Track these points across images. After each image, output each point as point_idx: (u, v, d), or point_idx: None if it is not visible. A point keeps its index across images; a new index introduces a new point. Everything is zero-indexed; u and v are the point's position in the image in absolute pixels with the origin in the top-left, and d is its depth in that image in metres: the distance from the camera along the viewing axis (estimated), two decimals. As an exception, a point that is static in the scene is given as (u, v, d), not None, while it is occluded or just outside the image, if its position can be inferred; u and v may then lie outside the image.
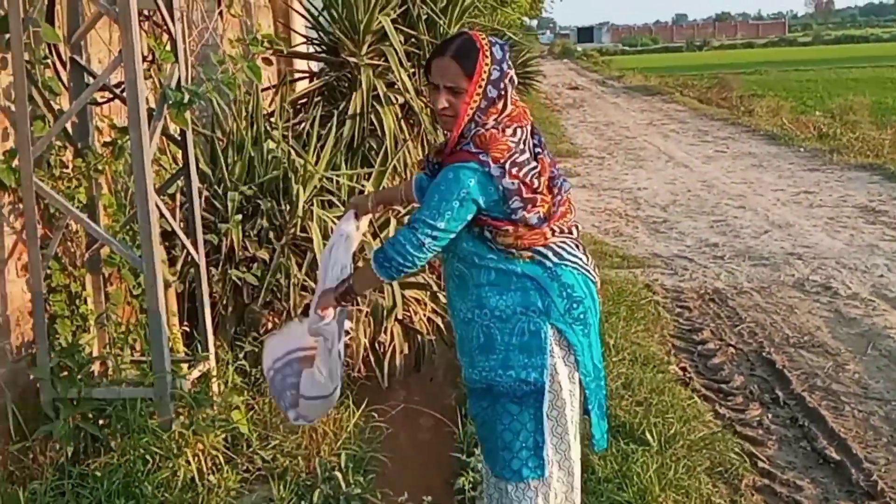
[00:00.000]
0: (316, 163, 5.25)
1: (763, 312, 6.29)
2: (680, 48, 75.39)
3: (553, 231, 2.80)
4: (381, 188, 5.75)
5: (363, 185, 5.62)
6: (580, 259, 2.87)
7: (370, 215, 3.27)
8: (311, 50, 7.03)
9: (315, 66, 7.32)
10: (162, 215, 4.05)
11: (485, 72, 2.71)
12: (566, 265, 2.83)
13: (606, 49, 74.68)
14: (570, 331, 2.80)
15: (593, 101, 26.23)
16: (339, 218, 3.25)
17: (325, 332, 3.01)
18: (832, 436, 4.37)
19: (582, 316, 2.82)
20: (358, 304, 3.07)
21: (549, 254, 2.80)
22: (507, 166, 2.69)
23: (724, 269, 7.44)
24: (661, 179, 12.05)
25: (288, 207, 5.03)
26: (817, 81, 31.12)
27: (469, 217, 2.73)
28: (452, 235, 2.75)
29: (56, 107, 4.13)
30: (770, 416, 4.67)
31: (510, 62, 2.83)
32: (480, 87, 2.71)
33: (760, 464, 4.12)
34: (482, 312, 2.80)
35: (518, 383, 2.77)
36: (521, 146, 2.78)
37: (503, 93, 2.77)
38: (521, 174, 2.71)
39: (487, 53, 2.73)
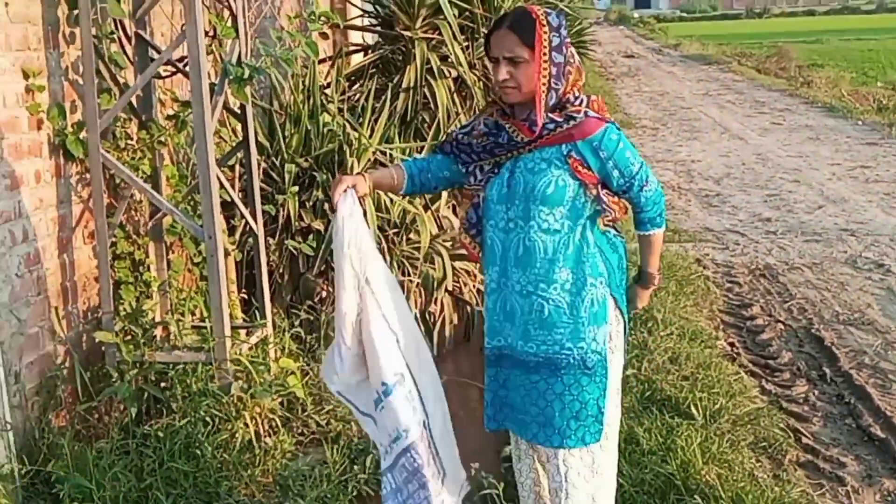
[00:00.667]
0: (370, 136, 5.35)
1: (814, 289, 6.29)
2: (739, 15, 74.01)
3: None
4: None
5: (416, 157, 5.71)
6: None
7: (367, 197, 3.13)
8: (366, 23, 7.12)
9: (370, 39, 7.41)
10: (222, 186, 4.18)
11: (545, 39, 2.77)
12: (621, 237, 2.93)
13: (664, 16, 73.51)
14: (622, 300, 2.89)
15: (649, 69, 25.97)
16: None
17: None
18: (878, 414, 4.39)
19: (626, 286, 2.92)
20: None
21: (612, 225, 2.91)
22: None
23: (775, 245, 7.43)
24: (715, 152, 11.97)
25: (343, 179, 5.14)
26: (880, 51, 30.41)
27: None
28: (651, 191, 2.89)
29: (121, 80, 4.28)
30: (816, 392, 4.70)
31: (566, 29, 2.88)
32: (545, 54, 2.77)
33: (804, 440, 4.17)
34: (549, 287, 2.82)
35: (589, 353, 2.83)
36: None
37: (572, 59, 2.83)
38: None
39: (544, 22, 2.78)
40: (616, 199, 2.85)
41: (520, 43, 2.75)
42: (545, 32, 2.76)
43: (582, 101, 2.82)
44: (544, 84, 2.76)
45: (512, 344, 2.93)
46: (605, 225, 2.89)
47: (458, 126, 3.12)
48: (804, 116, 14.88)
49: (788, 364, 5.05)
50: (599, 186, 2.82)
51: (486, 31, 2.91)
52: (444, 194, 5.72)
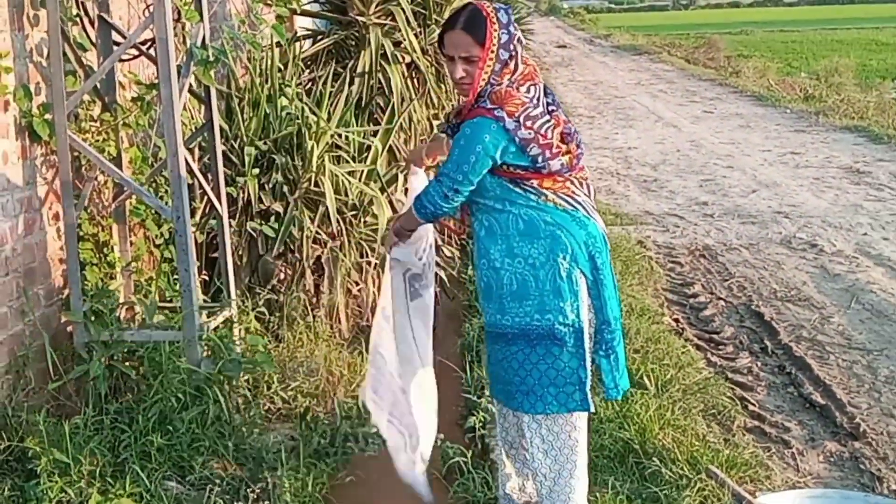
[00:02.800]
0: (328, 120, 5.44)
1: (751, 268, 6.56)
2: (666, 6, 75.26)
3: (573, 183, 3.03)
4: (388, 144, 5.96)
5: (371, 141, 5.82)
6: (599, 219, 3.12)
7: (425, 166, 3.46)
8: (320, 9, 7.19)
9: (320, 24, 7.48)
10: (189, 168, 4.24)
11: (494, 37, 2.92)
12: (591, 219, 3.06)
13: (593, 6, 74.41)
14: (593, 279, 3.03)
15: (581, 59, 26.35)
16: (406, 178, 3.49)
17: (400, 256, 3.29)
18: (818, 382, 4.65)
19: (602, 267, 3.05)
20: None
21: (577, 204, 3.03)
22: (521, 119, 2.91)
23: (713, 227, 7.71)
24: (650, 139, 12.27)
25: (301, 162, 5.22)
26: (802, 42, 31.33)
27: (485, 170, 2.94)
28: (472, 187, 2.96)
29: (86, 63, 4.31)
30: (759, 364, 4.94)
31: (515, 24, 3.05)
32: (493, 52, 2.92)
33: (751, 407, 4.40)
34: (514, 261, 2.99)
35: (557, 325, 2.98)
36: (535, 102, 2.99)
37: (514, 54, 2.98)
38: (535, 126, 2.92)
39: (494, 20, 2.93)
40: (525, 171, 2.97)
41: (473, 43, 2.91)
42: (496, 31, 2.92)
43: (486, 92, 2.96)
44: (484, 80, 2.93)
45: (492, 320, 3.11)
46: (565, 201, 3.03)
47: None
48: (734, 105, 15.30)
49: (731, 338, 5.30)
50: (508, 167, 2.96)
51: (439, 26, 3.04)
52: (400, 178, 5.84)
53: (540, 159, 2.93)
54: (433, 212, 3.04)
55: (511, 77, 2.97)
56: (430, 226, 3.26)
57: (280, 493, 3.54)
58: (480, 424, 4.26)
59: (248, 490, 3.56)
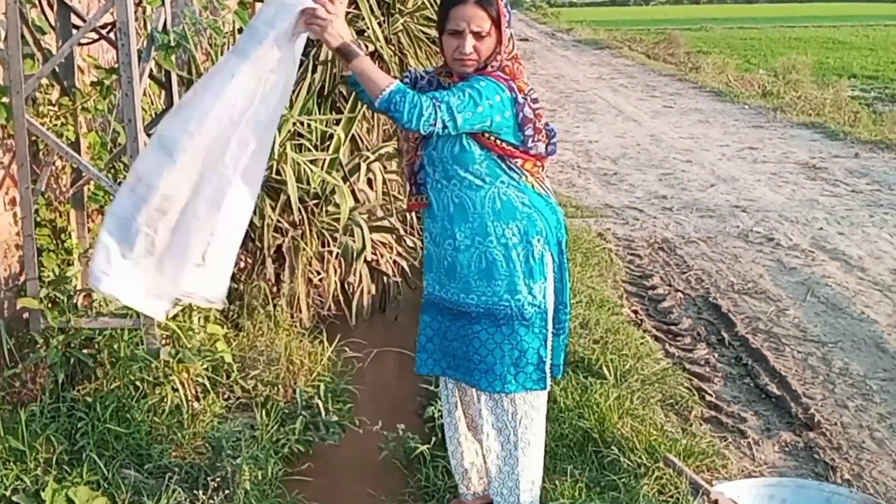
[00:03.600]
0: (290, 107, 5.40)
1: (709, 261, 6.63)
2: (627, 1, 75.69)
3: (543, 171, 3.06)
4: (350, 133, 5.94)
5: (334, 130, 5.80)
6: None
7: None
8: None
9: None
10: (149, 154, 4.19)
11: (505, 13, 2.94)
12: (557, 204, 3.11)
13: (555, 0, 74.61)
14: (558, 262, 3.07)
15: (543, 53, 26.42)
16: None
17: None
18: (773, 374, 4.71)
19: (565, 251, 3.10)
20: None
21: (549, 190, 3.07)
22: (527, 98, 2.94)
23: (672, 220, 7.78)
24: (611, 133, 12.34)
25: (263, 150, 5.18)
26: (761, 39, 31.67)
27: (478, 126, 2.88)
28: (453, 133, 2.88)
29: (44, 46, 4.24)
30: (716, 355, 5.00)
31: None
32: (505, 27, 2.93)
33: (708, 398, 4.45)
34: (487, 240, 2.99)
35: (526, 306, 3.01)
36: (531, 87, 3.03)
37: (512, 33, 3.01)
38: (534, 107, 2.96)
39: None
40: (514, 148, 2.97)
41: (486, 17, 2.89)
42: (504, 6, 2.92)
43: (498, 66, 2.95)
44: (498, 55, 2.92)
45: (454, 297, 3.09)
46: (539, 185, 3.06)
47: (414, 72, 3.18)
48: (693, 100, 15.43)
49: (689, 329, 5.35)
50: (497, 141, 2.95)
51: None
52: (363, 167, 5.83)
53: (530, 141, 2.95)
54: (396, 111, 2.79)
55: (507, 57, 2.97)
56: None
57: (239, 482, 3.52)
58: (439, 414, 4.26)
59: (208, 478, 3.53)
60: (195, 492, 3.47)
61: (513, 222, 3.00)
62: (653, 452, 3.66)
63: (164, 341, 4.12)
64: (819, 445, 4.01)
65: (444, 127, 2.82)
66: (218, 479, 3.51)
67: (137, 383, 3.97)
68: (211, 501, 3.39)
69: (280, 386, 4.42)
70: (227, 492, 3.46)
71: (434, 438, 4.11)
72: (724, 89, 16.36)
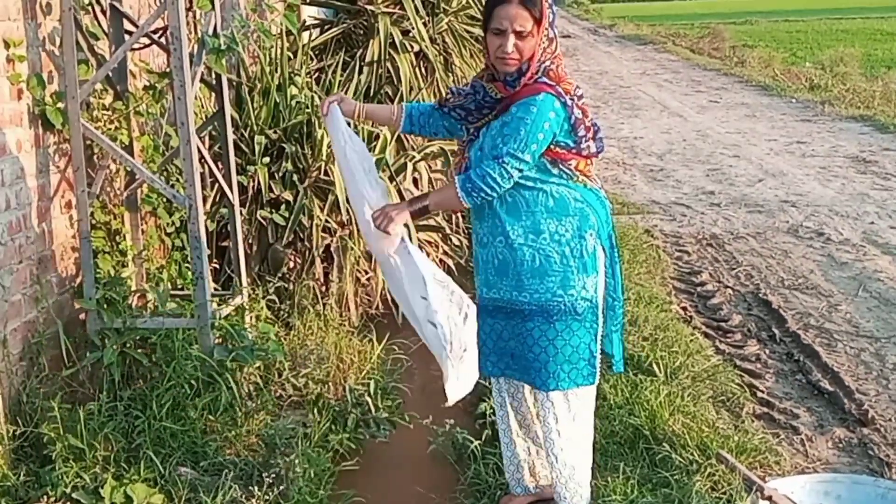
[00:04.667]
0: (337, 108, 5.45)
1: (758, 256, 6.58)
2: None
3: (592, 165, 3.09)
4: (396, 133, 5.97)
5: (380, 130, 5.83)
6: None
7: (354, 118, 3.37)
8: (327, -1, 7.20)
9: (328, 13, 7.49)
10: (201, 156, 4.26)
11: (548, 13, 2.96)
12: (605, 197, 3.12)
13: (597, -4, 74.16)
14: (610, 257, 3.09)
15: (586, 49, 26.30)
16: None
17: (399, 254, 3.15)
18: (826, 370, 4.67)
19: (616, 245, 3.12)
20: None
21: (599, 185, 3.09)
22: (574, 99, 2.97)
23: (720, 216, 7.72)
24: (656, 129, 12.27)
25: (311, 151, 5.25)
26: (807, 32, 31.26)
27: (548, 145, 2.96)
28: (533, 164, 2.98)
29: (98, 52, 4.33)
30: (767, 351, 4.96)
31: None
32: (547, 28, 2.96)
33: (759, 394, 4.42)
34: (540, 237, 3.01)
35: (579, 301, 3.02)
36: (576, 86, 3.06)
37: (555, 34, 3.03)
38: (581, 105, 2.99)
39: None
40: (567, 150, 3.00)
41: (530, 17, 2.91)
42: (548, 7, 2.94)
43: (542, 69, 2.98)
44: (539, 55, 2.93)
45: (506, 296, 3.11)
46: (591, 181, 3.08)
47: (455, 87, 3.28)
48: (740, 95, 15.28)
49: (739, 326, 5.32)
50: (551, 146, 2.98)
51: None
52: (409, 167, 5.86)
53: (583, 141, 2.99)
54: (487, 194, 2.98)
55: (551, 57, 3.00)
56: None
57: (292, 478, 3.57)
58: (491, 411, 4.28)
59: (262, 475, 3.58)
60: (250, 488, 3.51)
61: (566, 218, 3.02)
62: (704, 449, 3.65)
63: (217, 341, 4.18)
64: (873, 441, 3.97)
65: (520, 171, 2.96)
66: (272, 476, 3.55)
67: (192, 382, 4.03)
68: (266, 497, 3.43)
69: (331, 384, 4.47)
70: (280, 488, 3.50)
71: (485, 434, 4.13)
72: (771, 83, 16.18)
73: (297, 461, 3.64)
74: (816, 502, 3.22)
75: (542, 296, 3.05)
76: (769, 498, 3.19)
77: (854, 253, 6.54)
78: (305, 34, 6.49)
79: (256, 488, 3.47)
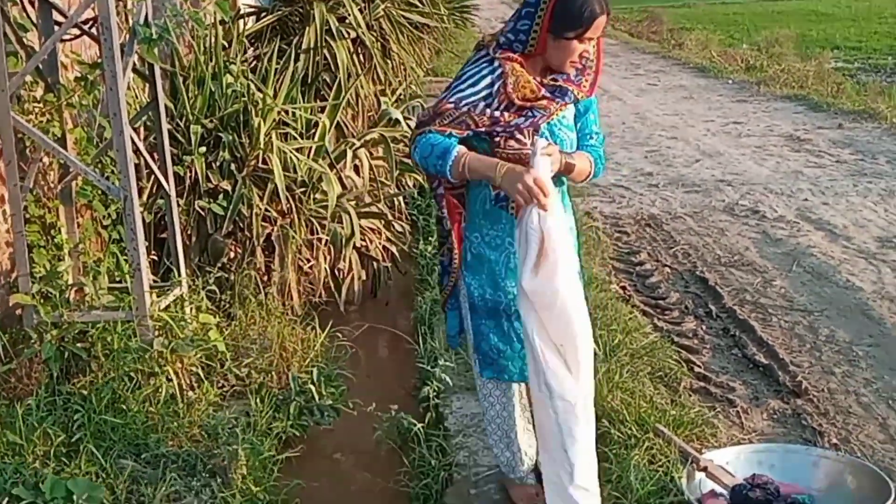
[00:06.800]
0: (274, 96, 5.44)
1: (696, 235, 6.68)
2: (610, -19, 75.35)
3: None
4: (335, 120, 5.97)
5: (319, 118, 5.83)
6: None
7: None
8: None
9: (264, 1, 7.44)
10: (135, 147, 4.22)
11: None
12: None
13: (537, -18, 74.33)
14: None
15: (526, 35, 26.34)
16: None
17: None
18: (761, 343, 4.77)
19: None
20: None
21: None
22: None
23: (658, 197, 7.82)
24: (596, 112, 12.36)
25: (248, 140, 5.23)
26: (744, 14, 31.64)
27: None
28: None
29: (27, 43, 4.26)
30: (704, 327, 5.06)
31: None
32: None
33: (696, 369, 4.50)
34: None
35: None
36: None
37: None
38: None
39: None
40: None
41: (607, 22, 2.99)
42: None
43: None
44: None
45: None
46: None
47: (470, 111, 2.98)
48: (677, 77, 15.45)
49: (677, 303, 5.41)
50: None
51: (587, 13, 2.88)
52: (349, 154, 5.86)
53: None
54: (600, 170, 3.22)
55: None
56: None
57: (235, 467, 3.57)
58: (434, 394, 4.32)
59: (204, 465, 3.58)
60: (192, 478, 3.52)
61: (570, 218, 3.19)
62: (643, 424, 3.71)
63: (157, 332, 4.16)
64: (807, 412, 4.07)
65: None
66: (214, 466, 3.56)
67: (132, 374, 4.01)
68: (207, 488, 3.44)
69: (274, 373, 4.47)
70: (221, 476, 3.50)
71: (428, 417, 4.17)
72: (708, 65, 16.37)
73: (239, 450, 3.65)
74: (751, 471, 3.30)
75: None
76: (704, 469, 3.27)
77: (788, 229, 6.68)
78: (241, 22, 6.43)
79: (197, 479, 3.47)
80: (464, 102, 2.97)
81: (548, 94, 3.00)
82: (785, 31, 20.43)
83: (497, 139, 2.95)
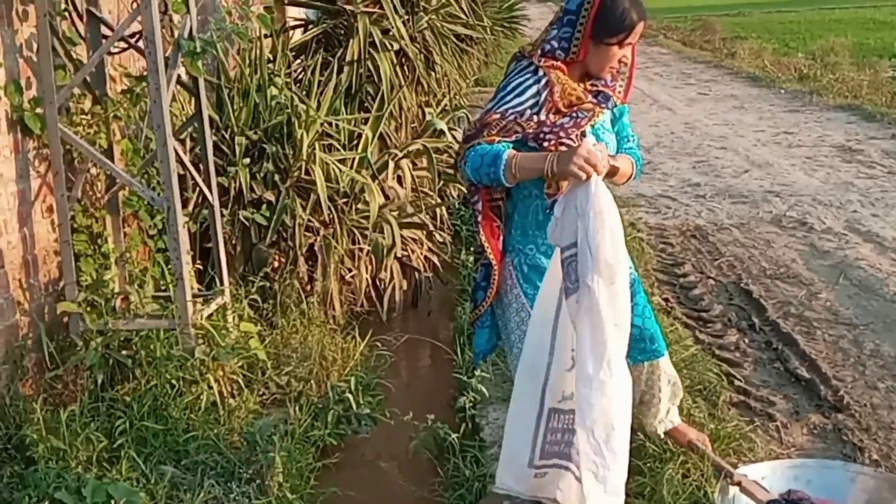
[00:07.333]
0: (317, 108, 5.50)
1: (741, 247, 6.62)
2: (663, -11, 74.96)
3: None
4: (379, 131, 6.02)
5: (362, 129, 5.88)
6: None
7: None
8: (308, -1, 7.25)
9: (311, 14, 7.53)
10: (179, 159, 4.31)
11: None
12: None
13: (590, -9, 74.10)
14: None
15: (577, 44, 26.27)
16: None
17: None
18: (804, 357, 4.71)
19: None
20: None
21: None
22: None
23: (705, 207, 7.76)
24: (644, 122, 12.28)
25: (292, 151, 5.29)
26: (800, 23, 31.27)
27: None
28: None
29: (75, 57, 4.37)
30: (746, 340, 5.01)
31: None
32: None
33: (737, 382, 4.46)
34: None
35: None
36: None
37: None
38: None
39: None
40: None
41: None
42: None
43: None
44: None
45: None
46: None
47: (516, 119, 3.00)
48: (729, 86, 15.31)
49: (720, 316, 5.36)
50: None
51: (627, 19, 2.95)
52: (391, 165, 5.91)
53: None
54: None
55: None
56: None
57: (272, 474, 3.62)
58: (470, 405, 4.33)
59: (242, 472, 3.63)
60: (229, 485, 3.57)
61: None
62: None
63: (199, 341, 4.23)
64: (848, 427, 4.01)
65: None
66: (251, 472, 3.61)
67: (174, 382, 4.09)
68: (244, 493, 3.49)
69: (313, 381, 4.53)
70: (258, 483, 3.55)
71: (465, 429, 4.18)
72: (761, 74, 16.20)
73: (276, 457, 3.69)
74: (786, 487, 3.26)
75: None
76: (738, 483, 3.23)
77: (836, 241, 6.58)
78: (287, 35, 6.52)
79: (235, 485, 3.53)
80: (510, 112, 3.00)
81: (592, 100, 3.07)
82: (841, 39, 20.12)
83: (547, 145, 2.95)
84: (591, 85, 3.09)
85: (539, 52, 3.07)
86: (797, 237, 6.77)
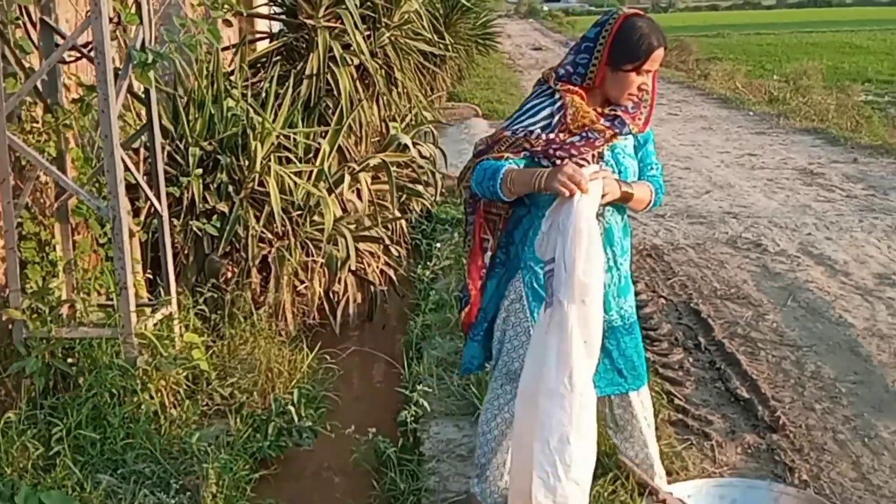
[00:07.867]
0: (273, 120, 5.54)
1: (695, 267, 6.70)
2: (645, 9, 75.49)
3: None
4: (337, 145, 6.05)
5: (319, 143, 5.92)
6: None
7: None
8: (271, 11, 7.29)
9: (275, 26, 7.58)
10: (127, 168, 4.33)
11: None
12: None
13: (573, 9, 74.77)
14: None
15: (555, 62, 26.43)
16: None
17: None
18: (745, 377, 4.77)
19: None
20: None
21: None
22: None
23: (662, 227, 7.84)
24: (613, 141, 12.40)
25: (246, 163, 5.32)
26: (777, 45, 31.66)
27: None
28: None
29: (27, 65, 4.39)
30: (691, 360, 5.07)
31: None
32: None
33: (676, 401, 4.51)
34: (623, 255, 3.22)
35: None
36: None
37: None
38: None
39: None
40: None
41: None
42: None
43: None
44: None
45: (629, 312, 3.30)
46: None
47: (526, 137, 3.06)
48: (700, 107, 15.47)
49: (667, 335, 5.42)
50: None
51: (645, 45, 2.98)
52: (347, 178, 5.95)
53: None
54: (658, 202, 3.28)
55: None
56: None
57: (206, 485, 3.63)
58: (412, 419, 4.36)
59: (177, 483, 3.65)
60: (164, 495, 3.58)
61: (631, 238, 3.28)
62: (612, 454, 3.73)
63: (142, 350, 4.24)
64: (781, 447, 4.07)
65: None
66: (186, 483, 3.62)
67: (115, 391, 4.09)
68: (178, 503, 3.50)
69: (257, 393, 4.54)
70: (193, 495, 3.57)
71: (405, 442, 4.21)
72: (731, 96, 16.40)
73: (210, 469, 3.70)
74: (711, 506, 3.32)
75: (625, 311, 3.27)
76: (663, 501, 3.29)
77: (788, 263, 6.67)
78: (246, 47, 6.55)
79: (169, 495, 3.54)
80: (521, 130, 3.08)
81: (605, 123, 3.09)
82: (814, 63, 20.38)
83: (559, 163, 2.99)
84: (611, 110, 3.10)
85: (554, 75, 3.13)
86: (750, 258, 6.86)
